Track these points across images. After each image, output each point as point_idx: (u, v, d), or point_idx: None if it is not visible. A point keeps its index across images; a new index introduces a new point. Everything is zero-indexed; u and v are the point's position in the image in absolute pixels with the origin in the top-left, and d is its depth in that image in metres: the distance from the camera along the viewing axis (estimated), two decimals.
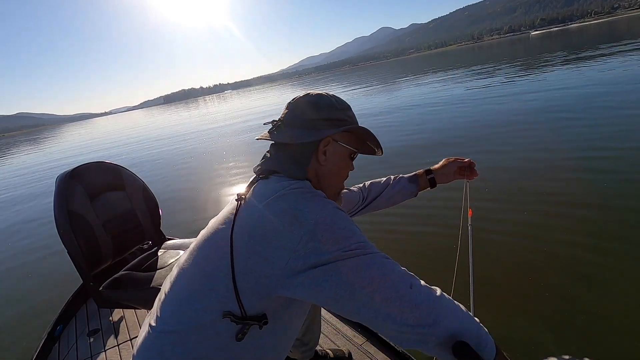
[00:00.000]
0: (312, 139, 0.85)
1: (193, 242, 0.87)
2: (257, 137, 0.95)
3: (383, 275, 0.67)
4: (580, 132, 4.79)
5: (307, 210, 0.72)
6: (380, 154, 0.98)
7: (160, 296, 0.84)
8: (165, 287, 0.84)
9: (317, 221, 0.70)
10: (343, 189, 1.01)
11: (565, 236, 2.51)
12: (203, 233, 0.84)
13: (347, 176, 0.96)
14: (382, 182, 1.31)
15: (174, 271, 0.84)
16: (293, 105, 0.90)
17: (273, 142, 0.91)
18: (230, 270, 0.72)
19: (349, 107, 0.91)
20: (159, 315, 0.80)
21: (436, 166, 1.32)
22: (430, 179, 1.30)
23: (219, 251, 0.75)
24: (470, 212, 1.29)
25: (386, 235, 3.01)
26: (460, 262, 1.36)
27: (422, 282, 0.70)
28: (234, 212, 0.78)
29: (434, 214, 3.19)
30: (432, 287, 0.70)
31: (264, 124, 0.93)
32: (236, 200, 0.81)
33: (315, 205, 0.73)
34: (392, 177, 1.32)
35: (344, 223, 0.72)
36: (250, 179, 0.92)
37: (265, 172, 0.86)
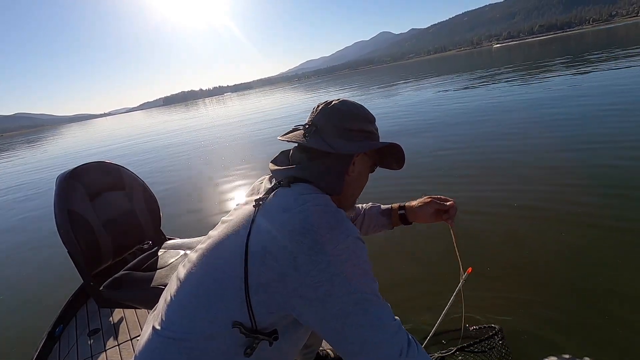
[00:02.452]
0: (355, 150, 0.84)
1: (201, 242, 0.84)
2: (280, 137, 0.92)
3: (380, 339, 0.69)
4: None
5: (329, 237, 0.71)
6: (397, 168, 0.99)
7: (166, 298, 0.82)
8: (172, 288, 0.82)
9: (336, 252, 0.70)
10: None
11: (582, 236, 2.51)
12: (214, 235, 0.81)
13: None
14: (359, 208, 1.26)
15: (181, 272, 0.82)
16: (327, 111, 0.87)
17: (297, 145, 0.89)
18: (244, 282, 0.71)
19: (375, 120, 0.93)
20: (164, 319, 0.78)
21: (413, 203, 1.21)
22: (400, 214, 1.22)
23: (232, 261, 0.73)
24: (469, 270, 1.20)
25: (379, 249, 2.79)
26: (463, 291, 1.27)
27: (413, 343, 0.73)
28: (250, 219, 0.76)
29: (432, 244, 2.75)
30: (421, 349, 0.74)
31: (295, 126, 0.92)
32: (254, 206, 0.78)
33: (336, 234, 0.72)
34: (367, 206, 1.27)
35: (360, 258, 0.73)
36: (265, 181, 0.90)
37: (290, 179, 0.82)
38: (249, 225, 0.75)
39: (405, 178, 4.07)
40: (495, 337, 1.42)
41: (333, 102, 0.89)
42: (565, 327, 1.72)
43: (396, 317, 0.74)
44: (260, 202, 0.78)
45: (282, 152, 0.95)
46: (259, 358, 0.76)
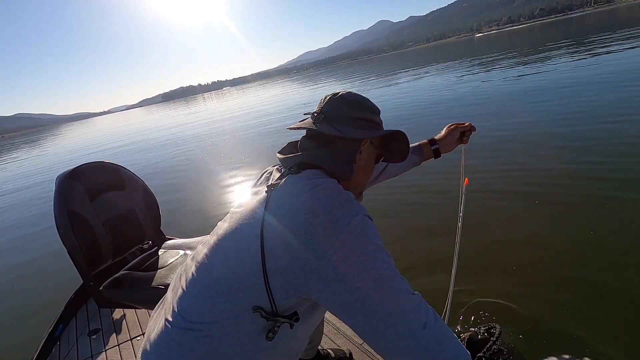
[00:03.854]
0: (364, 136, 0.87)
1: (211, 233, 0.84)
2: (289, 127, 0.94)
3: (402, 311, 0.68)
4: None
5: (341, 216, 0.72)
6: (400, 161, 1.02)
7: (176, 291, 0.82)
8: (182, 281, 0.82)
9: (350, 229, 0.71)
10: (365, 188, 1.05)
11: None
12: (225, 227, 0.81)
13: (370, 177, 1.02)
14: None
15: (191, 264, 0.82)
16: (336, 101, 0.92)
17: (305, 134, 0.93)
18: (262, 268, 0.71)
19: (380, 112, 0.96)
20: (177, 310, 0.78)
21: (439, 135, 1.32)
22: (434, 149, 1.32)
23: (247, 248, 0.73)
24: (466, 181, 1.32)
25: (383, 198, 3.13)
26: (461, 231, 1.41)
27: (438, 318, 0.71)
28: (262, 206, 0.77)
29: (438, 177, 3.42)
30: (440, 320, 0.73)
31: (304, 114, 0.95)
32: (265, 192, 0.79)
33: (347, 213, 0.73)
34: None
35: (373, 234, 0.73)
36: (273, 171, 0.91)
37: (300, 165, 0.84)
38: (262, 212, 0.75)
39: (414, 175, 4.05)
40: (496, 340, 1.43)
41: (340, 93, 0.94)
42: (576, 323, 1.70)
43: (415, 292, 0.73)
44: (272, 189, 0.79)
45: (289, 142, 0.98)
46: (278, 343, 0.76)
